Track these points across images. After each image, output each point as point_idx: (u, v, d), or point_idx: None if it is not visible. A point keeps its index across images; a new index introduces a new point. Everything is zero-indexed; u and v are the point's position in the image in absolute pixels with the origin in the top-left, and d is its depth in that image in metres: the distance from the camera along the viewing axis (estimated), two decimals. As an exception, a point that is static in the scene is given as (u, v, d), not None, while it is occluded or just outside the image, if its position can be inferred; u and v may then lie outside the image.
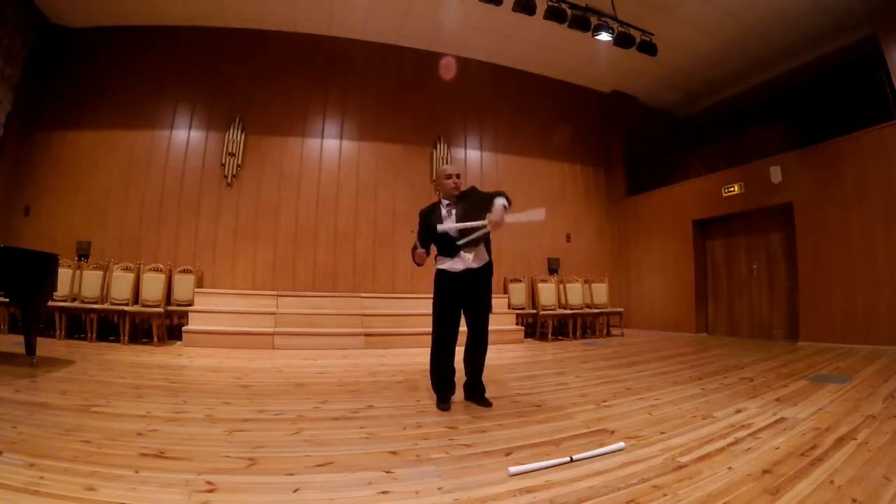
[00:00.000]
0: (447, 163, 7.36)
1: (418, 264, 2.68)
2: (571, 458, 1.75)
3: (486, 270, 2.73)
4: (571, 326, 6.62)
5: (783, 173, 6.01)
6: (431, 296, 2.75)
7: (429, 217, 2.74)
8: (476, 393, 2.73)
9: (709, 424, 2.25)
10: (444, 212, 2.72)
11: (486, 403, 2.64)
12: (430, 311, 2.73)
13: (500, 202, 2.46)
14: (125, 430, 1.99)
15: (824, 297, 5.50)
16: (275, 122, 6.77)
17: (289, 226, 6.61)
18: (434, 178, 2.84)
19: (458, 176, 2.76)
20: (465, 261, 2.63)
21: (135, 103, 6.41)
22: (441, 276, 2.71)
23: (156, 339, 4.92)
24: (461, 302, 2.68)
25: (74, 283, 5.28)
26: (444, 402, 2.62)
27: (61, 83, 6.32)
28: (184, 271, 5.75)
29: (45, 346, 3.91)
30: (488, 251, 2.75)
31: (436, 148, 7.41)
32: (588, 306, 7.02)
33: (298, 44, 7.02)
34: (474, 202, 2.66)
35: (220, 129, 6.59)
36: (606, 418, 2.40)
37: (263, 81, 6.84)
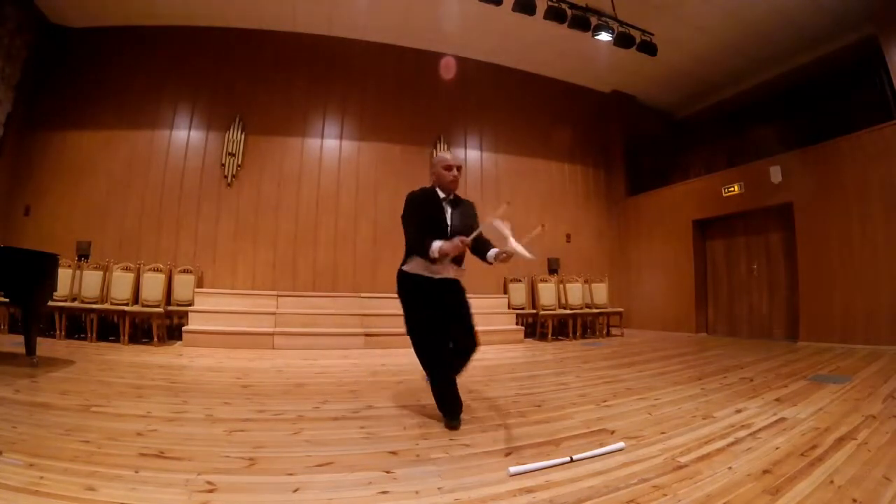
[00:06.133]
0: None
1: (459, 258, 2.24)
2: (571, 458, 1.74)
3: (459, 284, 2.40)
4: (571, 326, 6.62)
5: (783, 173, 6.00)
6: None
7: (428, 205, 2.29)
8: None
9: (709, 424, 2.25)
10: (446, 207, 2.33)
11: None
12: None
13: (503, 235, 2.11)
14: (125, 430, 1.99)
15: (824, 297, 5.50)
16: (275, 122, 6.77)
17: (289, 226, 6.61)
18: (431, 164, 2.39)
19: (458, 169, 2.36)
20: (451, 269, 2.31)
21: (135, 103, 6.41)
22: (415, 280, 2.30)
23: (156, 339, 4.92)
24: (443, 308, 2.31)
25: (74, 283, 5.27)
26: (456, 418, 2.27)
27: (61, 83, 6.33)
28: (184, 271, 5.75)
29: (45, 346, 3.91)
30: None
31: (436, 148, 7.41)
32: (588, 306, 7.02)
33: (298, 44, 7.02)
34: (470, 216, 2.39)
35: (220, 129, 6.59)
36: (606, 418, 2.40)
37: (263, 81, 6.84)
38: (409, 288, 2.31)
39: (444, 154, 2.45)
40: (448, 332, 2.30)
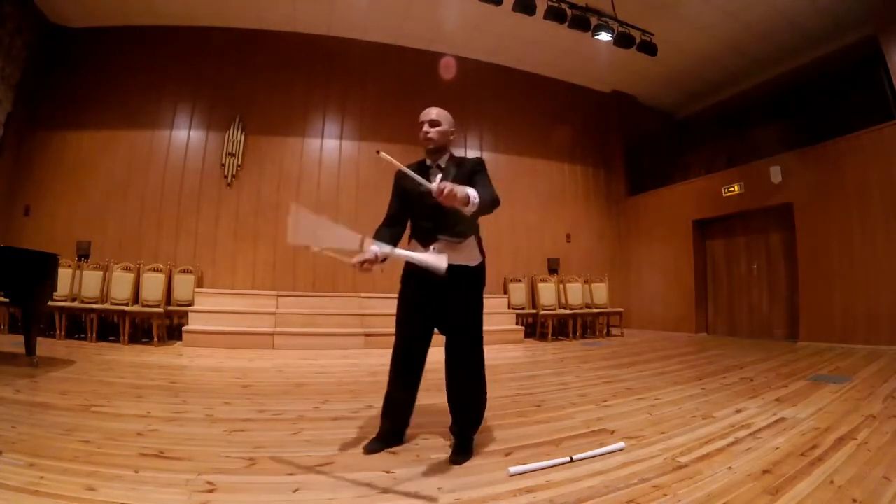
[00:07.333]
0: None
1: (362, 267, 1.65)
2: (571, 458, 1.75)
3: (473, 272, 1.88)
4: (571, 326, 6.62)
5: (783, 173, 6.00)
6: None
7: (407, 179, 1.74)
8: (455, 443, 1.87)
9: (709, 424, 2.25)
10: (432, 177, 1.86)
11: (456, 458, 1.76)
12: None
13: (470, 191, 1.57)
14: (125, 430, 1.99)
15: (824, 297, 5.50)
16: (275, 122, 6.77)
17: (289, 226, 6.60)
18: None
19: (432, 123, 1.88)
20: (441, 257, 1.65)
21: (135, 103, 6.40)
22: (406, 268, 1.93)
23: (156, 339, 4.92)
24: (431, 311, 1.88)
25: (74, 283, 5.27)
26: (374, 440, 1.90)
27: (61, 83, 6.32)
28: (184, 271, 5.75)
29: (45, 346, 3.91)
30: (480, 248, 1.93)
31: (436, 148, 7.41)
32: (588, 306, 7.02)
33: (298, 44, 7.02)
34: (462, 176, 1.81)
35: (220, 129, 6.59)
36: (606, 418, 2.40)
37: (263, 81, 6.83)
38: (402, 278, 1.99)
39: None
40: (421, 336, 1.92)
